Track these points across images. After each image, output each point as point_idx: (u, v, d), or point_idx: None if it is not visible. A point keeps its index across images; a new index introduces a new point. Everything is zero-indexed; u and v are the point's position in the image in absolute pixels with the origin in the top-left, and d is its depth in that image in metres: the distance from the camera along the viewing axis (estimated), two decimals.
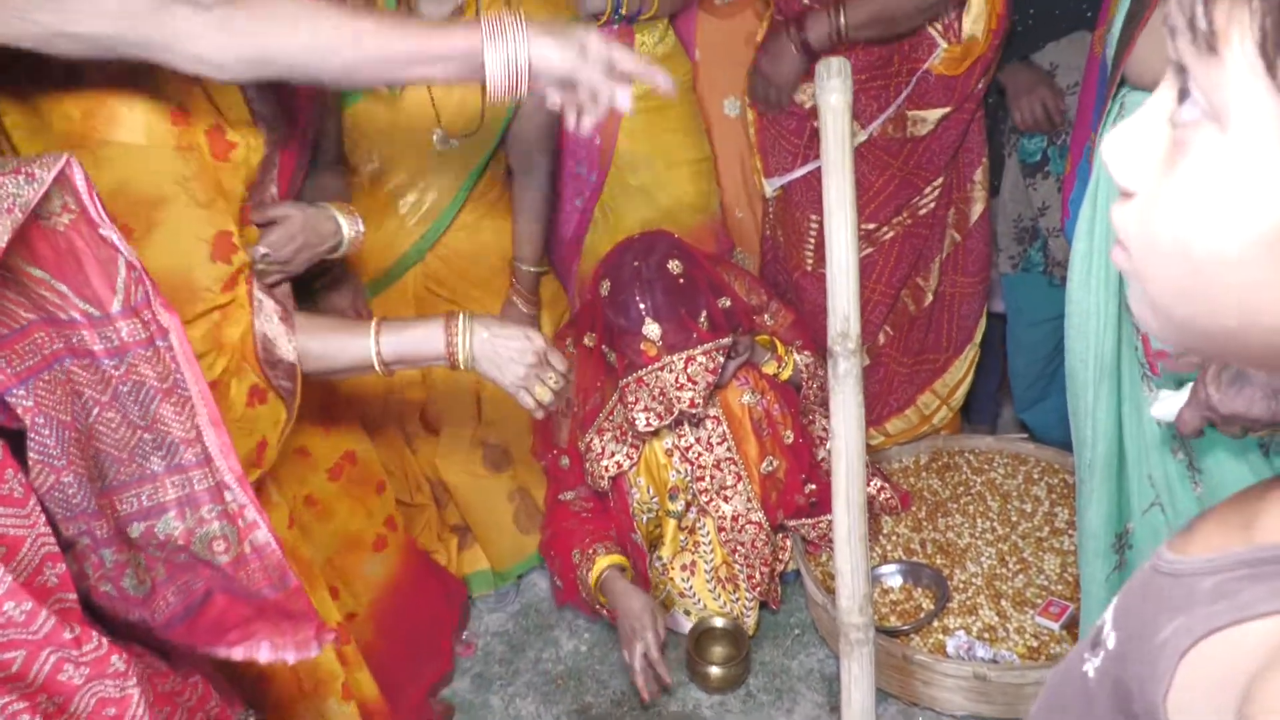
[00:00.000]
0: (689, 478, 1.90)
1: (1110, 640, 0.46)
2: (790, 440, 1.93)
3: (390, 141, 1.75)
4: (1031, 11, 1.92)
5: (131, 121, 1.08)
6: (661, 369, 1.73)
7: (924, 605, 1.87)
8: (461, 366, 1.33)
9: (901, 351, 2.22)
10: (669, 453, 1.89)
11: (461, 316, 1.32)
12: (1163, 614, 0.42)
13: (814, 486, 1.94)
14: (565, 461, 1.98)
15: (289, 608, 1.06)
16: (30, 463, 0.90)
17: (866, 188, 2.05)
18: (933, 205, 2.07)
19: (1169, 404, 0.91)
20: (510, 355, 1.32)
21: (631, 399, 1.77)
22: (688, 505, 1.93)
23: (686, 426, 1.88)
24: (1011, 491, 2.12)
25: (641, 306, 1.74)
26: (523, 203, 1.92)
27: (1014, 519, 2.04)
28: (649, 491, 1.92)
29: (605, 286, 1.80)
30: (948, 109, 1.94)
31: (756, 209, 2.28)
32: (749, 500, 1.89)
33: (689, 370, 1.73)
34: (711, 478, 1.88)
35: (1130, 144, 0.36)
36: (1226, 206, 0.33)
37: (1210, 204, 0.34)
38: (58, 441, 0.90)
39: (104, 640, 0.89)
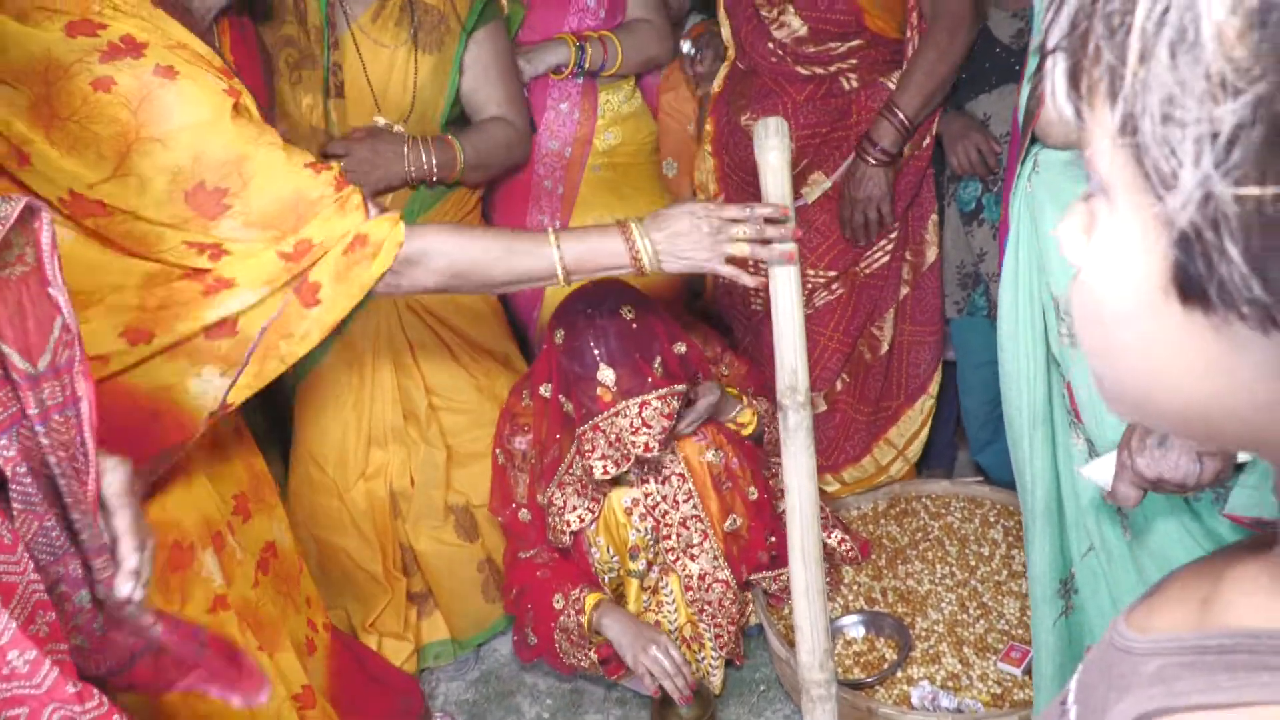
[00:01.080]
0: (650, 536, 1.87)
1: (1072, 713, 0.45)
2: (755, 496, 1.92)
3: (342, 133, 1.81)
4: (966, 64, 1.99)
5: (186, 105, 1.15)
6: (617, 414, 1.72)
7: (887, 655, 1.86)
8: (647, 270, 1.31)
9: (858, 399, 2.24)
10: (628, 511, 1.87)
11: (634, 224, 1.31)
12: (1112, 693, 0.41)
13: (774, 539, 1.93)
14: (525, 515, 1.95)
15: (220, 662, 1.04)
16: (15, 511, 0.88)
17: (826, 235, 2.08)
18: (886, 258, 2.11)
19: (1101, 468, 0.90)
20: (689, 240, 1.29)
21: (588, 447, 1.76)
22: (649, 564, 1.91)
23: (652, 484, 1.86)
24: (969, 535, 2.13)
25: (595, 352, 1.73)
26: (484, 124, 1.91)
27: (972, 563, 2.05)
28: (609, 551, 1.90)
29: (559, 335, 1.80)
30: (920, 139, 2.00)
31: None
32: (716, 558, 1.87)
33: (644, 414, 1.72)
34: (678, 535, 1.86)
35: (1071, 225, 0.38)
36: (1117, 267, 0.34)
37: (1107, 266, 0.35)
38: (39, 487, 0.89)
39: (104, 698, 0.86)
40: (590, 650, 1.81)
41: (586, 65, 2.02)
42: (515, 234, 1.34)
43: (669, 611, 1.91)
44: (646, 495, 1.85)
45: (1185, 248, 0.30)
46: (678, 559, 1.86)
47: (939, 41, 1.88)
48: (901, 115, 1.90)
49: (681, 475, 1.86)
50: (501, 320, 2.10)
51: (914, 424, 2.27)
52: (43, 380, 0.88)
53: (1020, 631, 1.85)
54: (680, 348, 1.81)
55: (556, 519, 1.86)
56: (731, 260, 1.29)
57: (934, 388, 2.25)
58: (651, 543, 1.87)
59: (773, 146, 1.30)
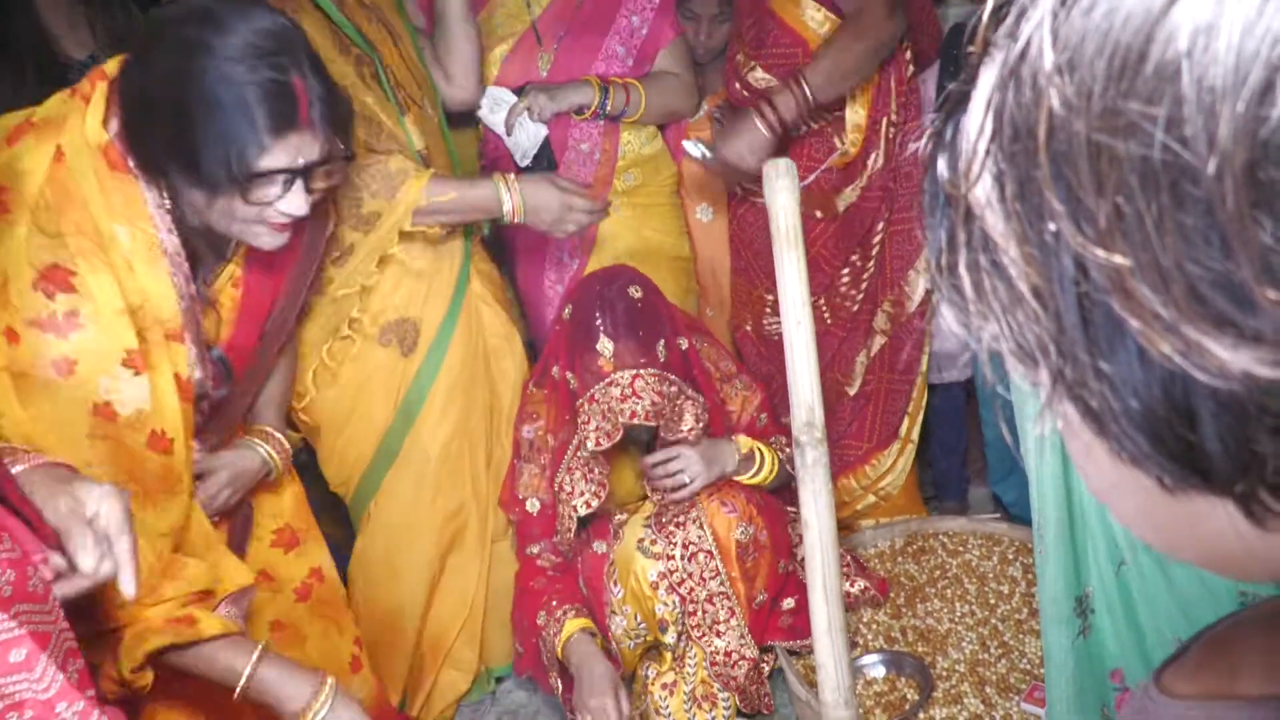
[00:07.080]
0: (677, 610, 1.83)
1: None
2: (784, 570, 1.90)
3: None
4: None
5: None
6: (610, 384, 1.74)
7: (908, 696, 1.82)
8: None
9: None
10: (654, 585, 1.82)
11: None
12: None
13: (792, 604, 1.91)
14: (532, 505, 1.94)
15: None
16: None
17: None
18: (855, 307, 2.12)
19: None
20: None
21: (584, 419, 1.76)
22: (680, 635, 1.87)
23: (679, 560, 1.80)
24: (988, 573, 2.10)
25: (599, 323, 1.76)
26: None
27: (992, 601, 2.01)
28: (636, 619, 1.86)
29: (568, 310, 1.85)
30: (854, 184, 2.03)
31: (727, 307, 2.35)
32: (742, 636, 1.84)
33: (635, 385, 1.74)
34: (704, 612, 1.82)
35: None
36: None
37: None
38: None
39: None
40: (554, 675, 1.80)
41: (609, 109, 2.05)
42: None
43: (688, 674, 1.88)
44: (673, 571, 1.81)
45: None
46: (703, 635, 1.82)
47: (843, 38, 1.88)
48: (805, 89, 1.86)
49: (709, 553, 1.82)
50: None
51: (884, 465, 2.26)
52: None
53: (1043, 671, 1.81)
54: (683, 343, 1.82)
55: (565, 505, 1.86)
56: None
57: (908, 431, 2.23)
58: (680, 616, 1.83)
59: (783, 188, 1.29)
